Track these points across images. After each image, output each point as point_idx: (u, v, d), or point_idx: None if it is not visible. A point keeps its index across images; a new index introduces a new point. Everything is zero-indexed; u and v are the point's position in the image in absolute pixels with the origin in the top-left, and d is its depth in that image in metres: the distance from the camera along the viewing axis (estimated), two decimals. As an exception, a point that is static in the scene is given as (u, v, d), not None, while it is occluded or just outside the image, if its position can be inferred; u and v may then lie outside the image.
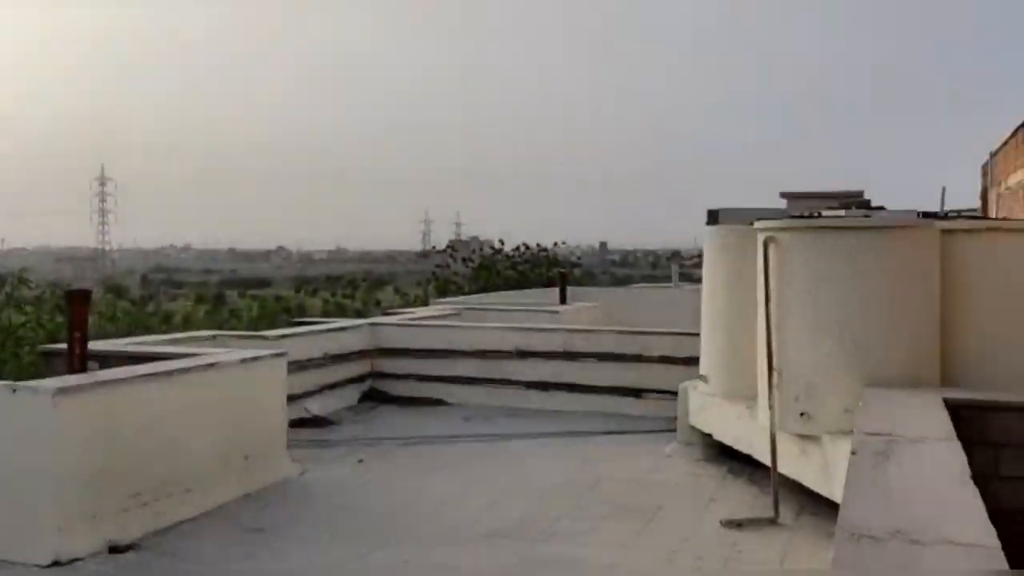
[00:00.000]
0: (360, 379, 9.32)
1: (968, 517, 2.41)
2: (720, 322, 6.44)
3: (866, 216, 5.42)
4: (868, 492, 2.63)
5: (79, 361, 5.45)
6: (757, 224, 5.50)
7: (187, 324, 20.27)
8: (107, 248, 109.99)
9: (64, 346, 7.47)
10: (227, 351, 6.50)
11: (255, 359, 6.30)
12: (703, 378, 6.65)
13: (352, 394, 9.17)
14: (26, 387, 4.94)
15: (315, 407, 8.35)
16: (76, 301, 5.54)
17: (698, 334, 8.09)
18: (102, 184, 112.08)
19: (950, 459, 3.05)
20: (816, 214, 5.53)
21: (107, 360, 6.11)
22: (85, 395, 4.98)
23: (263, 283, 79.86)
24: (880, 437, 3.43)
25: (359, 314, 27.13)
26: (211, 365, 5.89)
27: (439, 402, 9.11)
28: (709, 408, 6.57)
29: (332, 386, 8.80)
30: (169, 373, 5.55)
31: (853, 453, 3.17)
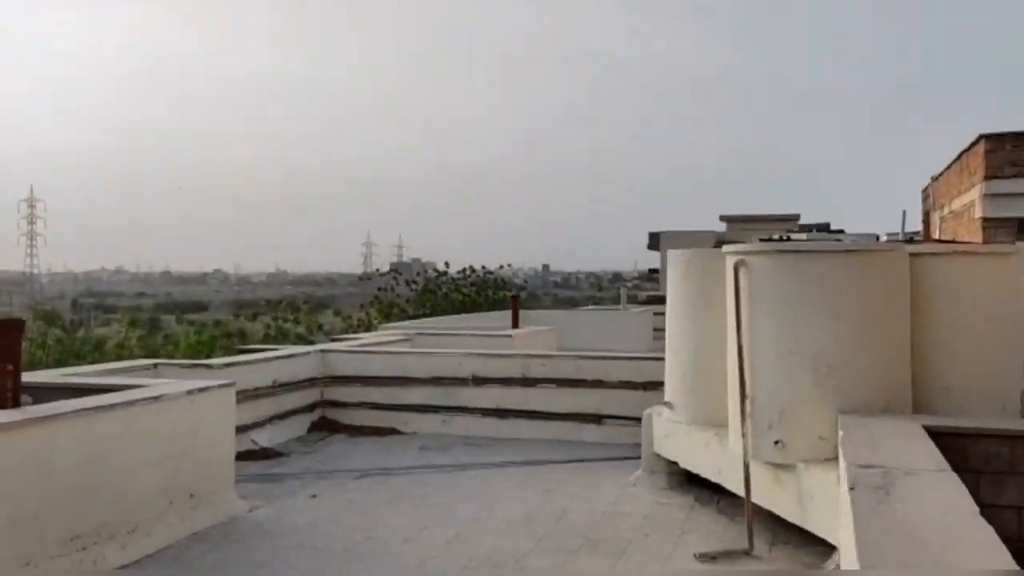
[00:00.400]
0: (309, 408, 8.98)
1: (992, 559, 2.28)
2: (685, 347, 6.32)
3: (837, 240, 5.36)
4: (882, 534, 2.48)
5: (11, 395, 5.04)
6: (727, 248, 5.40)
7: (121, 351, 19.52)
8: (35, 272, 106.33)
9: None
10: (172, 382, 6.15)
11: (202, 391, 5.95)
12: (668, 404, 6.51)
13: (301, 424, 8.83)
14: (-48, 425, 4.54)
15: (263, 438, 8.00)
16: (8, 330, 5.13)
17: (659, 359, 7.99)
18: (31, 206, 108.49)
19: (953, 493, 2.93)
20: (785, 237, 5.46)
21: (41, 393, 5.70)
22: (18, 432, 4.60)
23: (200, 307, 77.97)
24: (873, 470, 3.31)
25: (302, 339, 26.55)
26: (156, 398, 5.54)
27: (393, 431, 8.83)
28: (675, 435, 6.43)
29: (281, 416, 8.45)
30: (110, 407, 5.19)
31: (851, 488, 3.03)
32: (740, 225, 28.35)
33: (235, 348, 11.05)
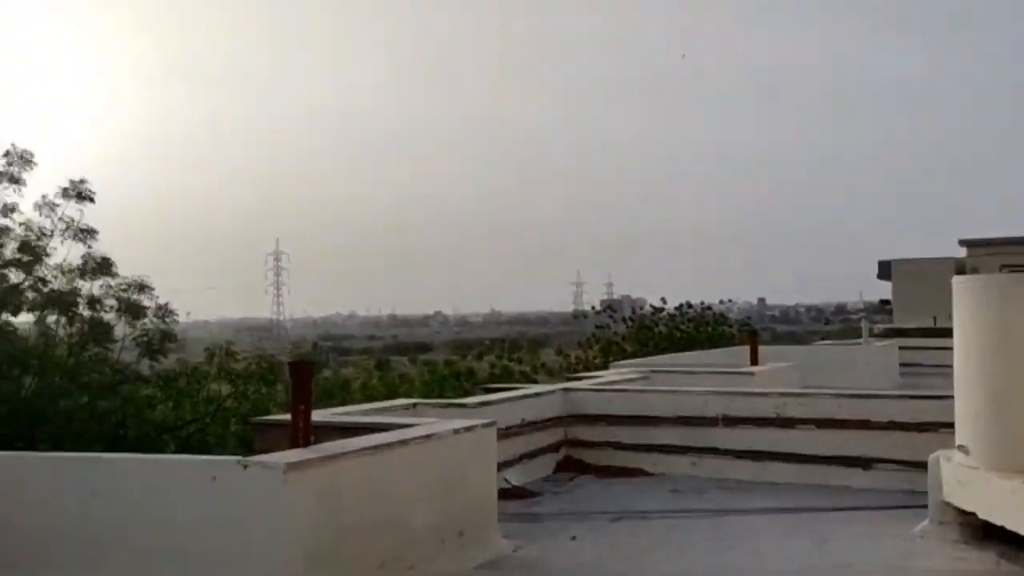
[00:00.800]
0: (555, 447, 8.99)
1: None
2: (982, 385, 5.68)
3: None
4: None
5: (303, 434, 5.38)
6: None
7: (365, 390, 20.80)
8: (281, 319, 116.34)
9: (275, 417, 7.60)
10: (438, 421, 6.33)
11: (468, 430, 6.08)
12: (962, 449, 5.87)
13: (548, 463, 8.84)
14: (257, 462, 4.88)
15: (514, 477, 8.07)
16: (300, 372, 5.51)
17: (934, 397, 7.31)
18: (276, 259, 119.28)
19: None
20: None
21: (318, 432, 6.04)
22: (313, 469, 4.86)
23: (423, 348, 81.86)
24: None
25: (526, 377, 27.06)
26: (427, 436, 5.71)
27: (640, 472, 8.62)
28: (971, 483, 5.77)
29: (529, 455, 8.51)
30: (390, 445, 5.40)
31: None
32: (985, 249, 25.79)
33: (485, 387, 11.33)
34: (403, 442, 5.49)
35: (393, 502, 5.33)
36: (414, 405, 8.13)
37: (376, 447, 5.29)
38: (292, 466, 4.75)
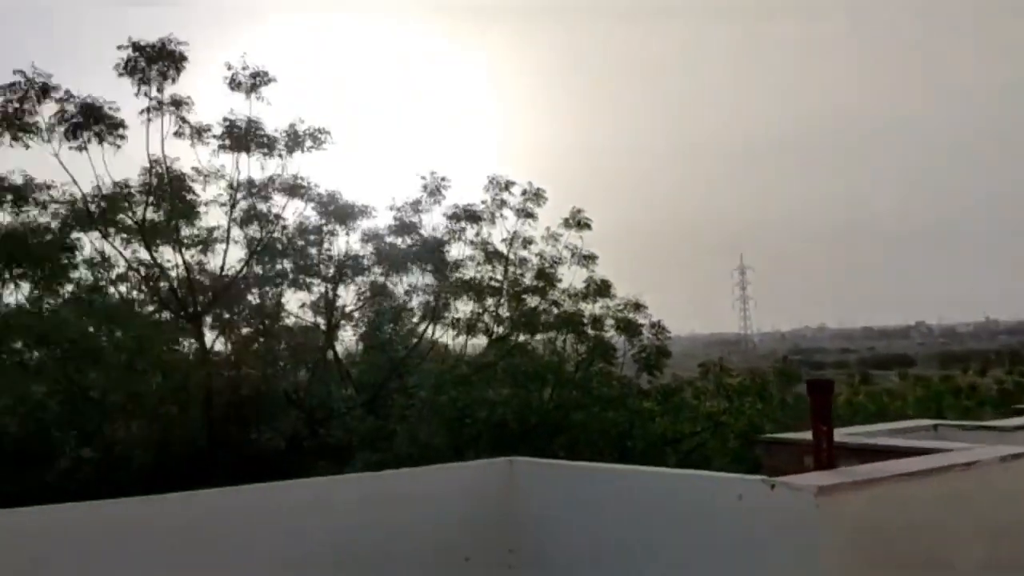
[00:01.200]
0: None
1: None
2: None
3: None
4: None
5: (827, 456, 5.17)
6: None
7: (850, 408, 19.69)
8: (748, 333, 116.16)
9: (784, 435, 7.48)
10: (979, 448, 5.65)
11: (1016, 457, 5.33)
12: None
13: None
14: (783, 483, 4.79)
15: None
16: (819, 391, 5.33)
17: None
18: (742, 273, 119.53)
19: None
20: None
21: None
22: (847, 495, 4.63)
23: (905, 361, 75.03)
24: None
25: (1047, 396, 23.28)
26: (969, 464, 5.12)
27: None
28: None
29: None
30: (927, 472, 4.94)
31: None
32: None
33: (1014, 408, 9.94)
34: (942, 469, 5.00)
35: (934, 537, 4.86)
36: (935, 427, 7.42)
37: (912, 474, 4.88)
38: (824, 490, 4.57)
